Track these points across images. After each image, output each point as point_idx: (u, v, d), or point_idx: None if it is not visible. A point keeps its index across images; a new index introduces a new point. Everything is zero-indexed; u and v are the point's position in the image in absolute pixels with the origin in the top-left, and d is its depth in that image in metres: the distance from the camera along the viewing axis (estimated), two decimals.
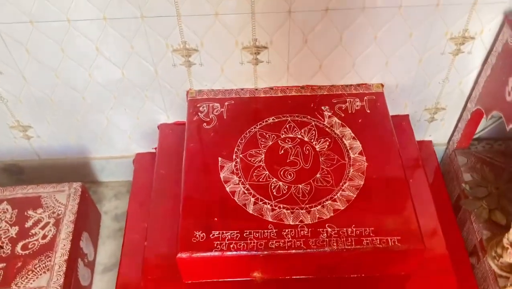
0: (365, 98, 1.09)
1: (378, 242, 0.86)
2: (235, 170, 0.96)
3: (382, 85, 1.11)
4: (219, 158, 0.98)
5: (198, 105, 1.08)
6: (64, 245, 1.04)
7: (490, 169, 1.21)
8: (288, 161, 0.98)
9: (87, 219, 1.18)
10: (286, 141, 1.01)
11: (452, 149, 1.27)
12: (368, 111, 1.07)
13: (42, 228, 1.06)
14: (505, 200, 1.14)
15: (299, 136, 1.02)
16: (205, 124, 1.04)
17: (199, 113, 1.06)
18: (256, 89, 1.11)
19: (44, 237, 1.05)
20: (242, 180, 0.95)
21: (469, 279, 1.06)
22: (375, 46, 1.03)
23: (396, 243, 0.86)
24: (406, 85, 1.13)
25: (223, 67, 1.06)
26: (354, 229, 0.88)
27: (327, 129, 1.04)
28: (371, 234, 0.87)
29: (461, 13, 0.96)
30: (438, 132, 1.27)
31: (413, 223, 0.89)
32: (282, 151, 1.00)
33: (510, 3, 0.96)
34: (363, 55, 1.05)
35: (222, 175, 0.96)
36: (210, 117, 1.06)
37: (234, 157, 0.99)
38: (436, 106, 1.19)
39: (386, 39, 1.01)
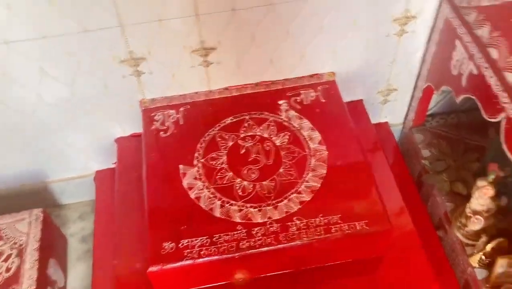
0: (319, 88, 1.10)
1: (347, 228, 0.87)
2: (197, 176, 0.95)
3: (334, 74, 1.12)
4: (180, 166, 0.97)
5: (152, 114, 1.06)
6: (30, 275, 1.00)
7: (446, 143, 1.25)
8: (250, 159, 0.98)
9: (52, 245, 1.14)
10: (246, 140, 1.01)
11: (408, 127, 1.30)
12: (323, 101, 1.08)
13: (5, 260, 1.02)
14: (464, 171, 1.18)
15: (259, 133, 1.02)
16: (162, 132, 1.03)
17: (155, 122, 1.05)
18: (211, 91, 1.10)
19: (8, 270, 1.00)
20: (206, 184, 0.94)
21: (438, 252, 1.09)
22: (321, 36, 1.04)
23: (364, 226, 0.88)
24: (357, 70, 1.14)
25: (174, 73, 1.04)
26: (321, 218, 0.88)
27: (285, 123, 1.04)
28: (339, 221, 0.88)
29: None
30: (393, 113, 1.30)
31: (378, 205, 0.90)
32: (244, 150, 0.99)
33: None
34: (311, 46, 1.06)
35: (185, 182, 0.95)
36: (166, 125, 1.04)
37: (195, 162, 0.98)
38: (388, 88, 1.21)
39: (331, 28, 1.02)
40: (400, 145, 1.36)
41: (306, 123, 1.04)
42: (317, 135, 1.01)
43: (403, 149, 1.34)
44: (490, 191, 0.98)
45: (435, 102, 1.28)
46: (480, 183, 1.01)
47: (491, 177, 1.02)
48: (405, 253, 0.97)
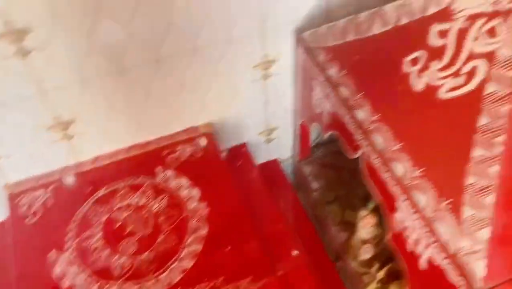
0: (195, 141, 1.08)
1: None
2: (71, 260, 0.89)
3: (211, 125, 1.11)
4: (51, 252, 0.90)
5: (17, 200, 0.98)
6: None
7: (333, 171, 1.27)
8: (126, 232, 0.93)
9: None
10: (121, 211, 0.96)
11: (296, 161, 1.31)
12: (200, 155, 1.05)
13: None
14: (354, 198, 1.20)
15: (134, 202, 0.97)
16: (28, 218, 0.95)
17: (20, 208, 0.97)
18: (80, 164, 1.04)
19: None
20: (82, 267, 0.88)
21: (338, 286, 1.09)
22: (187, 92, 1.02)
23: (250, 283, 0.85)
24: (233, 116, 1.14)
25: (33, 152, 0.97)
26: (205, 285, 0.85)
27: (162, 185, 1.00)
28: (223, 284, 0.85)
29: (253, 42, 0.99)
30: (280, 149, 1.31)
31: (262, 258, 0.89)
32: (119, 223, 0.94)
33: (297, 23, 1.00)
34: (179, 102, 1.03)
35: (57, 270, 0.88)
36: (34, 208, 0.97)
37: (67, 245, 0.91)
38: (268, 127, 1.22)
39: (193, 82, 1.01)
40: (293, 180, 1.36)
41: (184, 181, 1.00)
42: (196, 193, 0.98)
43: (296, 183, 1.34)
44: (371, 220, 1.00)
45: (317, 132, 1.31)
46: (362, 213, 1.03)
47: (371, 206, 1.05)
48: None
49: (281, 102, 1.16)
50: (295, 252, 0.96)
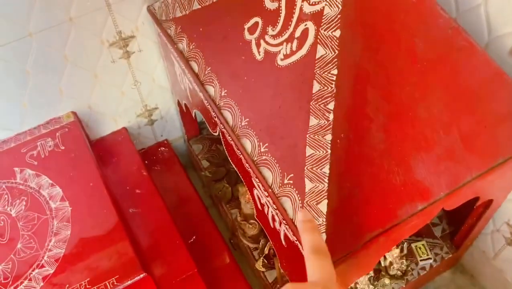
0: (57, 134, 0.99)
1: None
2: None
3: (74, 113, 1.02)
4: None
5: None
6: None
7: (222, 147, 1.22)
8: None
9: None
10: None
11: (186, 140, 1.25)
12: (63, 148, 0.97)
13: None
14: None
15: None
16: None
17: None
18: None
19: None
20: None
21: (232, 265, 1.05)
22: (35, 80, 0.92)
23: (115, 283, 0.80)
24: (99, 101, 1.05)
25: None
26: None
27: (21, 186, 0.91)
28: (87, 286, 0.79)
29: (102, 19, 0.90)
30: (169, 129, 1.24)
31: (128, 254, 0.83)
32: None
33: None
34: (30, 93, 0.94)
35: None
36: None
37: None
38: (147, 108, 1.14)
39: (40, 70, 0.91)
40: (187, 160, 1.31)
41: (45, 180, 0.92)
42: (58, 191, 0.90)
43: (189, 163, 1.29)
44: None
45: None
46: (242, 188, 0.99)
47: None
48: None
49: (154, 80, 1.08)
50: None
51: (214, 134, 0.82)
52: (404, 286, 0.98)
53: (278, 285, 0.99)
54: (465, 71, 0.66)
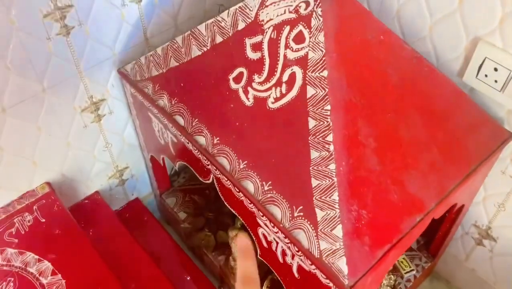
0: (35, 207, 0.95)
1: None
2: None
3: (48, 184, 0.99)
4: None
5: None
6: None
7: (199, 196, 1.23)
8: None
9: None
10: None
11: (158, 195, 1.25)
12: (43, 220, 0.94)
13: None
14: (224, 217, 1.18)
15: None
16: None
17: None
18: None
19: None
20: None
21: None
22: (8, 156, 0.90)
23: None
24: (72, 168, 1.03)
25: None
26: None
27: (5, 267, 0.87)
28: None
29: (74, 86, 0.91)
30: (139, 187, 1.23)
31: None
32: None
33: (117, 56, 0.94)
34: (3, 169, 0.91)
35: None
36: None
37: None
38: (118, 169, 1.13)
39: (13, 144, 0.89)
40: (160, 215, 1.30)
41: (31, 256, 0.88)
42: (47, 266, 0.87)
43: (164, 217, 1.28)
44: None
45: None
46: (231, 233, 1.01)
47: (239, 222, 1.03)
48: None
49: (124, 139, 1.09)
50: None
51: (206, 182, 0.85)
52: None
53: None
54: (432, 93, 0.76)
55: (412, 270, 1.08)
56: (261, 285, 1.01)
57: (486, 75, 0.80)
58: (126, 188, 1.20)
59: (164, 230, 1.19)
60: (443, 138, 0.75)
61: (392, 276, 1.05)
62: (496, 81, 0.79)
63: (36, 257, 0.88)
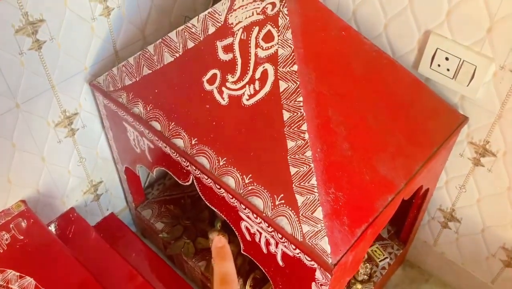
0: (11, 225, 0.95)
1: None
2: None
3: (23, 201, 0.98)
4: None
5: None
6: None
7: (174, 205, 1.25)
8: None
9: None
10: None
11: (133, 208, 1.25)
12: (21, 237, 0.93)
13: None
14: (201, 224, 1.20)
15: None
16: None
17: None
18: None
19: None
20: None
21: None
22: None
23: None
24: (47, 185, 1.03)
25: None
26: None
27: None
28: None
29: (47, 101, 0.92)
30: (113, 202, 1.23)
31: None
32: None
33: (87, 70, 0.96)
34: None
35: None
36: None
37: None
38: (92, 184, 1.14)
39: None
40: (136, 228, 1.30)
41: (11, 274, 0.87)
42: (30, 281, 0.86)
43: (141, 230, 1.29)
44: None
45: (146, 172, 1.27)
46: (211, 235, 1.03)
47: (218, 224, 1.06)
48: None
49: (97, 153, 1.10)
50: None
51: (185, 184, 0.87)
52: (373, 287, 1.08)
53: None
54: (393, 83, 0.82)
55: (386, 257, 1.13)
56: (244, 284, 1.03)
57: (439, 65, 0.87)
58: (100, 203, 1.20)
59: (142, 243, 1.19)
60: (406, 124, 0.81)
61: (368, 264, 1.10)
62: (448, 70, 0.86)
63: (17, 274, 0.87)
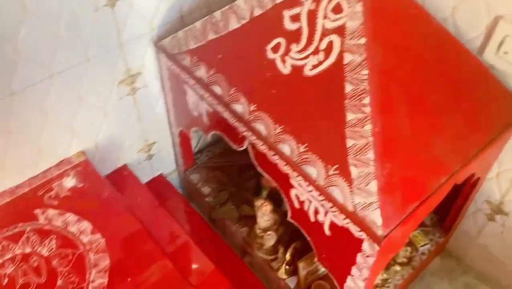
0: (71, 173, 1.00)
1: None
2: None
3: (83, 152, 1.04)
4: None
5: None
6: None
7: (221, 172, 1.28)
8: (18, 287, 0.83)
9: None
10: (6, 265, 0.86)
11: (183, 172, 1.29)
12: (81, 185, 0.99)
13: None
14: (246, 192, 1.23)
15: (19, 252, 0.88)
16: None
17: None
18: None
19: None
20: None
21: (251, 279, 1.11)
22: (51, 122, 0.94)
23: None
24: (106, 140, 1.08)
25: None
26: None
27: (46, 227, 0.91)
28: None
29: (114, 58, 0.96)
30: (164, 163, 1.28)
31: (174, 273, 0.86)
32: (7, 279, 0.84)
33: (154, 31, 1.00)
34: (45, 134, 0.95)
35: None
36: None
37: None
38: (146, 143, 1.18)
39: (57, 110, 0.94)
40: (183, 191, 1.35)
41: (71, 217, 0.93)
42: (87, 225, 0.92)
43: (187, 193, 1.33)
44: (268, 207, 1.04)
45: (198, 138, 1.31)
46: (258, 202, 1.06)
47: (265, 192, 1.08)
48: None
49: (154, 114, 1.14)
50: (194, 266, 0.96)
51: (239, 149, 0.90)
52: (412, 271, 1.09)
53: None
54: (457, 65, 0.81)
55: (427, 244, 1.13)
56: (285, 253, 1.06)
57: (505, 52, 0.85)
58: (152, 164, 1.25)
59: (188, 204, 1.24)
60: (467, 108, 0.80)
61: (408, 248, 1.10)
62: None
63: (76, 217, 0.93)
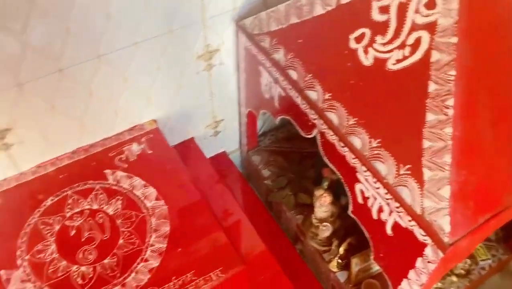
0: (142, 139, 1.04)
1: (203, 283, 0.83)
2: (25, 277, 0.82)
3: (155, 121, 1.08)
4: (1, 271, 0.83)
5: None
6: None
7: (282, 158, 1.29)
8: (83, 240, 0.88)
9: None
10: (74, 218, 0.91)
11: (245, 152, 1.31)
12: (150, 152, 1.02)
13: None
14: (304, 180, 1.23)
15: (87, 207, 0.92)
16: None
17: None
18: (22, 174, 0.97)
19: None
20: (38, 284, 0.82)
21: (300, 266, 1.11)
22: (130, 88, 0.98)
23: (220, 275, 0.84)
24: (178, 111, 1.11)
25: None
26: (175, 281, 0.83)
27: (114, 187, 0.96)
28: (193, 278, 0.83)
29: (195, 33, 0.98)
30: (228, 141, 1.30)
31: (228, 247, 0.88)
32: (74, 231, 0.89)
33: (236, 10, 1.00)
34: (122, 99, 0.99)
35: None
36: None
37: (19, 262, 0.84)
38: (214, 120, 1.21)
39: (136, 77, 0.97)
40: (243, 170, 1.37)
41: (138, 181, 0.97)
42: (152, 191, 0.95)
43: (247, 173, 1.35)
44: (328, 198, 1.03)
45: (263, 121, 1.32)
46: (318, 192, 1.05)
47: (326, 184, 1.07)
48: (269, 279, 0.97)
49: (226, 92, 1.15)
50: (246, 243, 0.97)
51: (307, 136, 0.90)
52: (468, 284, 1.04)
53: (350, 285, 1.04)
54: None
55: (489, 258, 1.08)
56: (338, 246, 1.05)
57: None
58: (217, 140, 1.27)
59: (247, 184, 1.26)
60: None
61: (467, 260, 1.06)
62: None
63: (143, 182, 0.97)
